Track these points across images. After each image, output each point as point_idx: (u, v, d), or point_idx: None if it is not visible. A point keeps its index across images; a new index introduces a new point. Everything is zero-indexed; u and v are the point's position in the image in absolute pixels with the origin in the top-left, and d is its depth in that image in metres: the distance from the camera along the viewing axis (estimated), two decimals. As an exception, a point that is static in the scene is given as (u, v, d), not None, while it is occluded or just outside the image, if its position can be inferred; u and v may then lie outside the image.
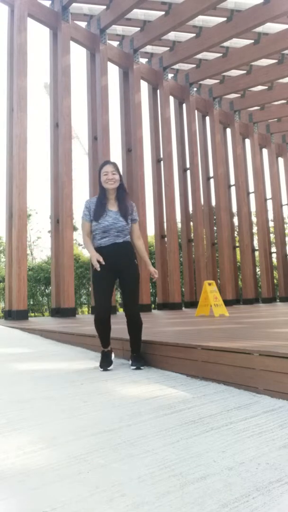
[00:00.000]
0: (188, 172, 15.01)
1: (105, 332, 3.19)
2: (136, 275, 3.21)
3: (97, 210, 3.18)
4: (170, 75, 14.55)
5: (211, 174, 16.04)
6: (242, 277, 16.35)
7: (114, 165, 3.23)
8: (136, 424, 1.86)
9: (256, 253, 18.30)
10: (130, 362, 3.24)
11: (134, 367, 3.13)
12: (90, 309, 17.53)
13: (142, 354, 3.28)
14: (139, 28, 12.65)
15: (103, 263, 3.09)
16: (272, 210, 19.27)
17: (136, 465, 1.44)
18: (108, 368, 3.11)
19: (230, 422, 1.87)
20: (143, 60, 14.08)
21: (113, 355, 3.33)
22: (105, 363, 3.16)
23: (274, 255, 19.06)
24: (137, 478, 1.34)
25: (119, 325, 5.10)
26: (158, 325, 5.45)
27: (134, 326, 3.19)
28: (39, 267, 18.11)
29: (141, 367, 3.14)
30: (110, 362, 3.19)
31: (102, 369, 3.10)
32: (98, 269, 3.08)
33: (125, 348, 3.57)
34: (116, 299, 13.53)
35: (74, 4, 11.19)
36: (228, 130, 17.19)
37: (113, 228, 3.15)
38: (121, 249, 3.18)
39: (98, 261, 3.11)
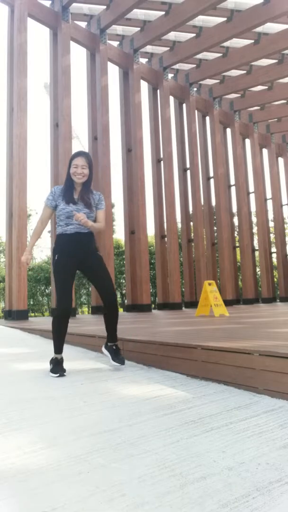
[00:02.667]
0: (188, 172, 15.01)
1: (64, 331, 3.05)
2: (102, 260, 3.15)
3: (67, 194, 3.08)
4: (170, 75, 14.55)
5: (211, 174, 16.04)
6: (242, 277, 16.35)
7: (87, 158, 3.09)
8: (136, 424, 1.86)
9: (256, 253, 18.30)
10: (110, 354, 3.13)
11: (118, 364, 3.05)
12: (90, 309, 17.53)
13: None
14: (139, 28, 12.65)
15: (26, 265, 3.19)
16: (272, 210, 19.28)
17: (136, 465, 1.44)
18: (64, 374, 2.92)
19: (230, 422, 1.87)
20: (143, 60, 14.08)
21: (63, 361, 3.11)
22: (60, 370, 2.94)
23: (274, 255, 19.06)
24: (137, 478, 1.34)
25: (119, 325, 5.09)
26: (158, 325, 5.45)
27: (115, 313, 3.10)
28: (39, 267, 18.10)
29: (124, 363, 3.08)
30: (63, 370, 2.97)
31: (57, 375, 2.89)
32: (24, 263, 3.16)
33: (125, 348, 3.57)
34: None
35: (74, 4, 11.19)
36: (228, 130, 17.19)
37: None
38: (85, 238, 3.10)
39: (60, 251, 3.06)
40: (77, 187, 3.14)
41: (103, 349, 3.26)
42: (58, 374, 2.90)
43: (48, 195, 3.17)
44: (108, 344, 3.23)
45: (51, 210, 3.17)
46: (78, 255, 3.07)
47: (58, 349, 3.06)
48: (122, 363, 3.08)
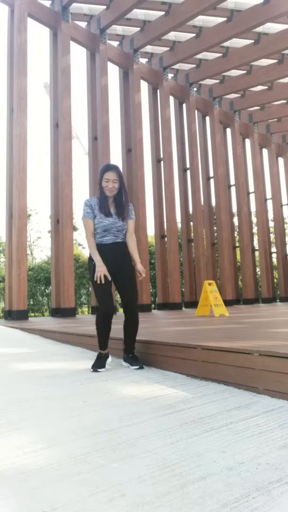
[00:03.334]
0: (188, 172, 15.01)
1: (107, 331, 3.20)
2: (134, 274, 3.27)
3: (103, 208, 3.22)
4: (170, 75, 14.55)
5: (211, 174, 16.04)
6: (242, 277, 16.35)
7: (118, 173, 3.22)
8: (136, 424, 1.86)
9: (256, 253, 18.30)
10: (128, 363, 3.24)
11: (137, 367, 3.13)
12: (90, 309, 17.53)
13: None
14: (139, 28, 12.65)
15: (109, 278, 3.13)
16: (272, 210, 19.27)
17: (136, 465, 1.44)
18: (99, 370, 3.09)
19: (230, 422, 1.87)
20: (143, 60, 14.08)
21: (110, 359, 3.31)
22: (98, 365, 3.13)
23: (274, 255, 19.06)
24: (137, 478, 1.34)
25: (119, 325, 5.10)
26: (158, 325, 5.45)
27: (134, 326, 3.22)
28: (39, 267, 18.11)
29: (143, 367, 3.15)
30: (104, 365, 3.17)
31: (92, 370, 3.08)
32: (99, 281, 3.10)
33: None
34: (116, 299, 13.51)
35: (74, 4, 11.19)
36: (228, 130, 17.19)
37: (114, 227, 3.22)
38: (122, 248, 3.26)
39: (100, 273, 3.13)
40: (109, 198, 3.28)
41: (123, 363, 3.32)
42: (92, 369, 3.08)
43: (85, 208, 3.28)
44: (125, 356, 3.31)
45: (93, 221, 3.25)
46: (113, 264, 3.19)
47: (103, 345, 3.23)
48: (141, 366, 3.15)
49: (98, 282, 3.08)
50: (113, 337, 3.52)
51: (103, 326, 3.18)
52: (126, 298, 3.22)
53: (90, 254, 3.25)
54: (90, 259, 3.24)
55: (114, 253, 3.21)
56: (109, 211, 3.23)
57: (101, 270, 3.09)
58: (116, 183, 3.21)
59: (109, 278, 3.12)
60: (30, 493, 1.25)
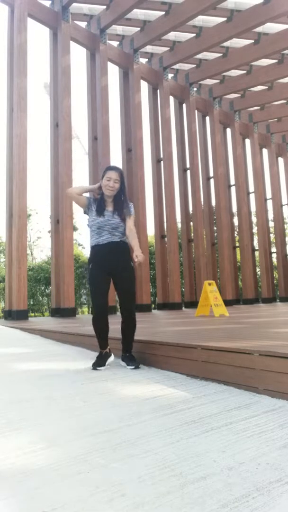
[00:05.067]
0: (188, 172, 15.01)
1: (104, 331, 3.21)
2: (132, 275, 3.25)
3: (100, 205, 3.23)
4: (170, 75, 14.55)
5: (211, 174, 16.04)
6: (242, 277, 16.35)
7: (120, 174, 3.25)
8: (136, 424, 1.86)
9: (256, 253, 18.30)
10: (124, 363, 3.24)
11: (133, 367, 3.13)
12: (90, 309, 17.54)
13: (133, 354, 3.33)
14: (139, 28, 12.65)
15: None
16: (272, 210, 19.27)
17: (136, 465, 1.44)
18: (98, 368, 3.12)
19: (230, 422, 1.87)
20: (143, 60, 14.08)
21: (111, 358, 3.31)
22: (98, 364, 3.16)
23: (274, 255, 19.06)
24: (137, 478, 1.34)
25: (119, 325, 5.10)
26: (158, 325, 5.45)
27: (131, 326, 3.22)
28: (39, 267, 18.10)
29: (139, 366, 3.16)
30: (103, 364, 3.19)
31: (92, 368, 3.12)
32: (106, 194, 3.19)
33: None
34: (117, 299, 13.52)
35: (74, 4, 11.19)
36: (228, 130, 17.19)
37: (107, 224, 3.20)
38: (118, 248, 3.22)
39: (94, 262, 3.16)
40: (108, 198, 3.28)
41: (121, 362, 3.32)
42: (92, 368, 3.12)
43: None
44: (122, 355, 3.32)
45: (86, 201, 3.29)
46: (110, 264, 3.18)
47: (102, 344, 3.25)
48: (138, 366, 3.15)
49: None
50: (114, 337, 3.52)
51: (99, 326, 3.19)
52: (124, 303, 3.23)
53: (88, 258, 3.27)
54: (89, 261, 3.26)
55: (111, 253, 3.19)
56: (104, 209, 3.23)
57: (93, 186, 3.30)
58: (117, 183, 3.22)
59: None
60: (30, 493, 1.25)
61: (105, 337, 3.24)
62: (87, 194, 3.34)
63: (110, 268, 3.18)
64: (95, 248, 3.22)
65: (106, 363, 3.22)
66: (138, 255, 3.11)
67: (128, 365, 3.18)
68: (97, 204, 3.25)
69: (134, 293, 3.29)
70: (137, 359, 3.25)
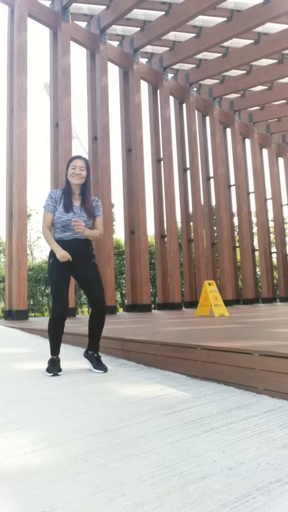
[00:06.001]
0: (188, 172, 15.01)
1: (59, 334, 3.07)
2: (98, 271, 3.13)
3: (67, 203, 3.07)
4: (170, 75, 14.55)
5: (211, 174, 16.04)
6: (242, 277, 16.35)
7: (85, 161, 3.13)
8: (136, 424, 1.86)
9: (256, 253, 18.30)
10: (90, 364, 3.11)
11: (102, 371, 3.00)
12: (90, 309, 17.53)
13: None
14: (139, 28, 12.65)
15: (71, 259, 2.96)
16: (272, 210, 19.28)
17: (136, 465, 1.44)
18: (59, 373, 2.97)
19: (230, 422, 1.87)
20: (143, 60, 14.08)
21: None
22: (57, 369, 3.01)
23: (274, 255, 19.06)
24: (137, 478, 1.34)
25: (119, 325, 5.11)
26: (158, 325, 5.45)
27: (101, 322, 3.08)
28: (39, 267, 18.11)
29: (107, 369, 3.05)
30: (60, 368, 3.05)
31: (51, 374, 2.95)
32: (66, 259, 2.94)
33: (125, 348, 3.57)
34: (117, 299, 13.51)
35: (74, 4, 11.19)
36: (228, 130, 17.19)
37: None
38: (82, 245, 3.08)
39: (55, 257, 3.00)
40: (75, 190, 3.14)
41: (84, 358, 3.23)
42: (52, 374, 2.95)
43: (47, 199, 3.13)
44: (89, 352, 3.19)
45: (52, 214, 3.11)
46: (73, 261, 3.03)
47: (54, 351, 3.09)
48: (105, 370, 3.04)
49: (63, 260, 2.93)
50: (113, 337, 3.52)
51: (55, 331, 3.04)
52: (92, 294, 3.05)
53: (49, 252, 3.11)
54: (49, 256, 3.10)
55: (74, 250, 3.03)
56: (71, 206, 3.07)
57: (62, 253, 2.94)
58: (84, 170, 3.09)
59: (70, 259, 2.95)
60: (30, 493, 1.25)
61: (59, 342, 3.09)
62: (50, 200, 3.11)
63: (74, 263, 3.03)
64: (58, 243, 3.05)
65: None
66: (82, 225, 2.96)
67: (95, 368, 3.05)
68: (64, 198, 3.08)
69: (103, 288, 3.12)
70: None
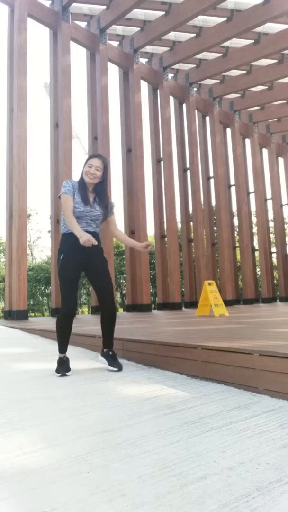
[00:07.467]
0: (188, 172, 15.01)
1: (68, 331, 3.06)
2: (107, 266, 3.10)
3: (83, 194, 3.03)
4: (170, 75, 14.55)
5: (211, 174, 16.05)
6: (242, 277, 16.35)
7: (103, 162, 3.06)
8: (136, 424, 1.86)
9: (256, 253, 18.30)
10: (106, 362, 3.12)
11: (116, 369, 3.02)
12: (90, 309, 17.53)
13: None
14: (139, 28, 12.65)
15: (96, 243, 2.86)
16: (272, 210, 19.28)
17: (136, 465, 1.44)
18: (67, 374, 2.95)
19: (230, 422, 1.87)
20: (143, 60, 14.08)
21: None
22: (66, 369, 2.99)
23: (274, 255, 19.06)
24: (137, 478, 1.34)
25: (119, 325, 5.10)
26: (158, 325, 5.45)
27: (113, 319, 3.08)
28: (39, 267, 18.11)
29: (122, 369, 3.06)
30: (68, 368, 3.02)
31: (60, 374, 2.92)
32: (90, 243, 2.79)
33: (125, 348, 3.57)
34: (117, 299, 13.51)
35: (74, 4, 11.19)
36: (228, 130, 17.19)
37: (88, 215, 3.04)
38: (95, 238, 3.02)
39: (67, 251, 2.96)
40: (89, 187, 3.11)
41: (100, 357, 3.24)
42: (60, 374, 2.93)
43: (65, 185, 3.04)
44: (104, 351, 3.21)
45: (73, 199, 3.01)
46: (84, 255, 3.00)
47: (62, 349, 3.08)
48: (120, 368, 3.05)
49: (88, 244, 2.81)
50: (114, 337, 3.51)
51: (63, 329, 3.03)
52: (102, 291, 3.04)
53: (59, 249, 3.06)
54: (59, 252, 3.04)
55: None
56: (88, 199, 3.04)
57: (86, 237, 2.78)
58: (99, 171, 3.03)
59: (95, 243, 2.85)
60: (30, 493, 1.25)
61: (68, 341, 3.08)
62: (69, 186, 3.05)
63: (85, 257, 3.00)
64: (68, 236, 2.99)
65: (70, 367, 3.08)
66: (146, 242, 3.11)
67: (110, 365, 3.06)
68: (81, 192, 3.03)
69: (112, 284, 3.10)
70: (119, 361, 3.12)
